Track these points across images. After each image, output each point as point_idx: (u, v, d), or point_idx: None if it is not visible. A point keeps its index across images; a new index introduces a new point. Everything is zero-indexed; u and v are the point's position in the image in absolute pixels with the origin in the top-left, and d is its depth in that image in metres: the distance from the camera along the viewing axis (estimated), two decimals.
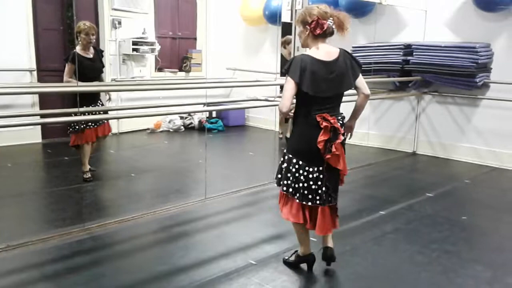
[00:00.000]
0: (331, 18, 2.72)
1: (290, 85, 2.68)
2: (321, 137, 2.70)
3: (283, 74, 2.73)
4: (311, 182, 2.77)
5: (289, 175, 2.84)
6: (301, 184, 2.78)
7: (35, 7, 6.59)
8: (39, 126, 6.51)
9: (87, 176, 4.85)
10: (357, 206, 4.31)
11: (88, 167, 4.89)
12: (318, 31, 2.71)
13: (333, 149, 2.70)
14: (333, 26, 2.74)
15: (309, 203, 2.80)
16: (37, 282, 2.84)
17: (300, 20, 2.80)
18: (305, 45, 2.85)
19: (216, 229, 3.77)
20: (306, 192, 2.78)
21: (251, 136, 8.20)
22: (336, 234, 3.12)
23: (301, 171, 2.79)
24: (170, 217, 3.94)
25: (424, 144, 6.59)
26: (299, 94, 2.73)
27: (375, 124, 6.99)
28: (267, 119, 7.81)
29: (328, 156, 2.71)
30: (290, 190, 2.83)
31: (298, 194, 2.80)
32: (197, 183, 4.90)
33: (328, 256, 2.97)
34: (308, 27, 2.74)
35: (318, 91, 2.71)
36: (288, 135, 6.74)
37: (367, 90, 2.89)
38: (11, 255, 3.14)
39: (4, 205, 4.17)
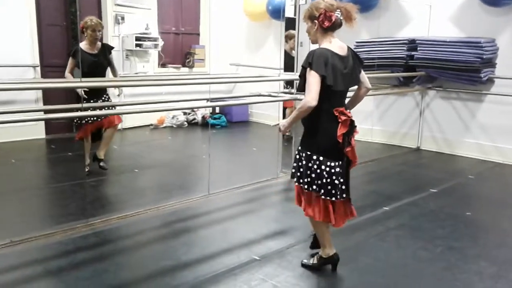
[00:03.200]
0: (338, 10, 2.71)
1: (316, 79, 2.63)
2: (340, 131, 2.71)
3: (303, 67, 2.70)
4: (333, 177, 2.75)
5: (309, 172, 2.80)
6: (324, 180, 2.75)
7: (38, 2, 6.58)
8: (43, 122, 6.53)
9: (86, 170, 4.86)
10: (360, 202, 4.29)
11: (88, 161, 4.90)
12: (327, 23, 2.69)
13: (352, 142, 2.74)
14: (341, 18, 2.72)
15: (333, 198, 2.78)
16: (41, 278, 2.84)
17: (308, 16, 2.77)
18: (314, 41, 2.83)
19: (220, 224, 3.77)
20: (329, 187, 2.75)
21: (254, 132, 8.19)
22: (339, 230, 3.11)
23: (322, 167, 2.75)
24: (173, 212, 3.94)
25: (428, 140, 6.57)
26: (320, 89, 2.67)
27: (379, 120, 6.96)
28: (271, 115, 7.80)
29: (348, 149, 2.73)
30: (314, 187, 2.79)
31: (323, 190, 2.77)
32: (200, 178, 4.90)
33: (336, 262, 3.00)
34: (317, 21, 2.72)
35: (338, 85, 2.70)
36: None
37: (369, 84, 2.96)
38: (14, 251, 3.14)
39: (7, 201, 4.18)
